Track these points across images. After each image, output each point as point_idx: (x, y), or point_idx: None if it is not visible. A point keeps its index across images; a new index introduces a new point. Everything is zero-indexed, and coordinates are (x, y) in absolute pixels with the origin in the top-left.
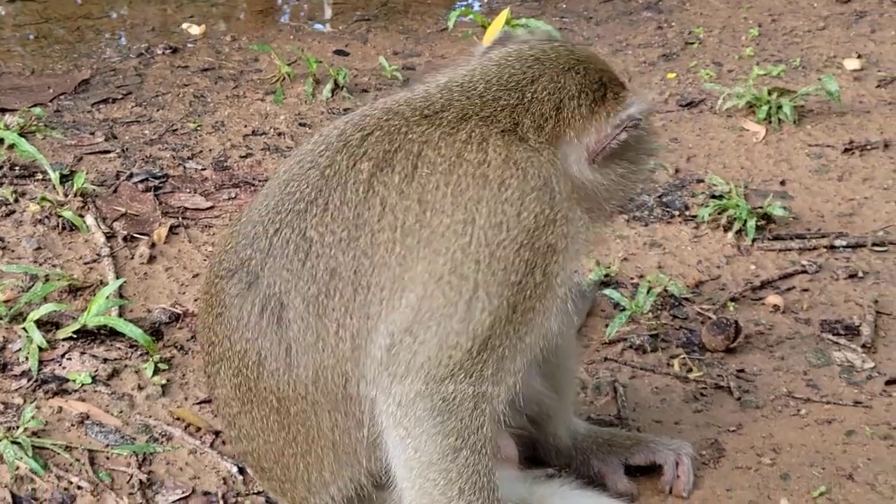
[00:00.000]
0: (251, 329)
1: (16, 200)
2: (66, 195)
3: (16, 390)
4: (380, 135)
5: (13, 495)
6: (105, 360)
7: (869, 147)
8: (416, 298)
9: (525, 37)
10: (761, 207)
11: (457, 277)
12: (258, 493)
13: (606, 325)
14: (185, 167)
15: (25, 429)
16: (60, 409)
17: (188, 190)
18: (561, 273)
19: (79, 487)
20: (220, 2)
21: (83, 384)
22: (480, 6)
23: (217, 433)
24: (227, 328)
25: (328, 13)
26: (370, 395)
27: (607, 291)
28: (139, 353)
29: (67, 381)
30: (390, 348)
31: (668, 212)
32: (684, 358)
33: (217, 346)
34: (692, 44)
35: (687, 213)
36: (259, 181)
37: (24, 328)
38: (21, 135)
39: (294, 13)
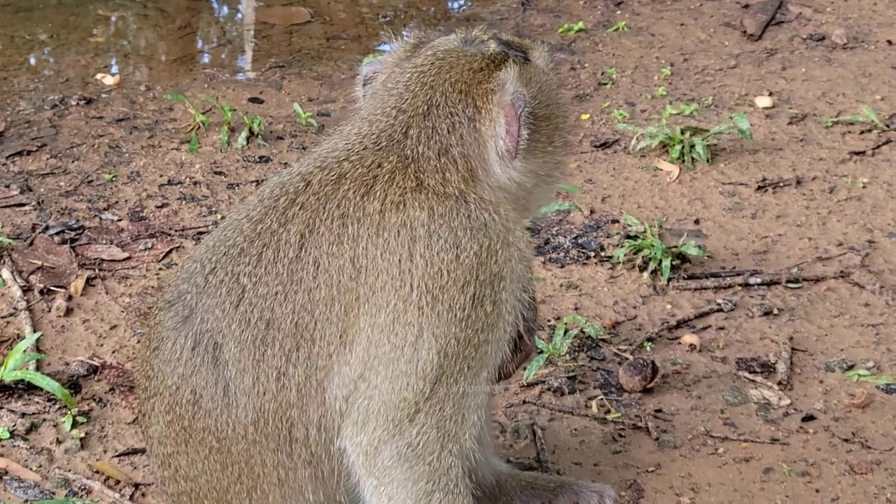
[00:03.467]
0: (184, 364)
1: None
2: None
3: None
4: (301, 206)
5: None
6: (23, 415)
7: (781, 184)
8: (364, 349)
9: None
10: (676, 247)
11: (400, 325)
12: None
13: (524, 368)
14: (101, 218)
15: None
16: None
17: (104, 241)
18: (510, 299)
19: None
20: (135, 51)
21: (1, 439)
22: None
23: (136, 485)
24: (161, 361)
25: (248, 60)
26: (336, 447)
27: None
28: (57, 406)
29: None
30: (347, 398)
31: (583, 253)
32: (602, 399)
33: (152, 380)
34: (605, 84)
35: (602, 253)
36: (175, 231)
37: None
38: None
39: (209, 62)
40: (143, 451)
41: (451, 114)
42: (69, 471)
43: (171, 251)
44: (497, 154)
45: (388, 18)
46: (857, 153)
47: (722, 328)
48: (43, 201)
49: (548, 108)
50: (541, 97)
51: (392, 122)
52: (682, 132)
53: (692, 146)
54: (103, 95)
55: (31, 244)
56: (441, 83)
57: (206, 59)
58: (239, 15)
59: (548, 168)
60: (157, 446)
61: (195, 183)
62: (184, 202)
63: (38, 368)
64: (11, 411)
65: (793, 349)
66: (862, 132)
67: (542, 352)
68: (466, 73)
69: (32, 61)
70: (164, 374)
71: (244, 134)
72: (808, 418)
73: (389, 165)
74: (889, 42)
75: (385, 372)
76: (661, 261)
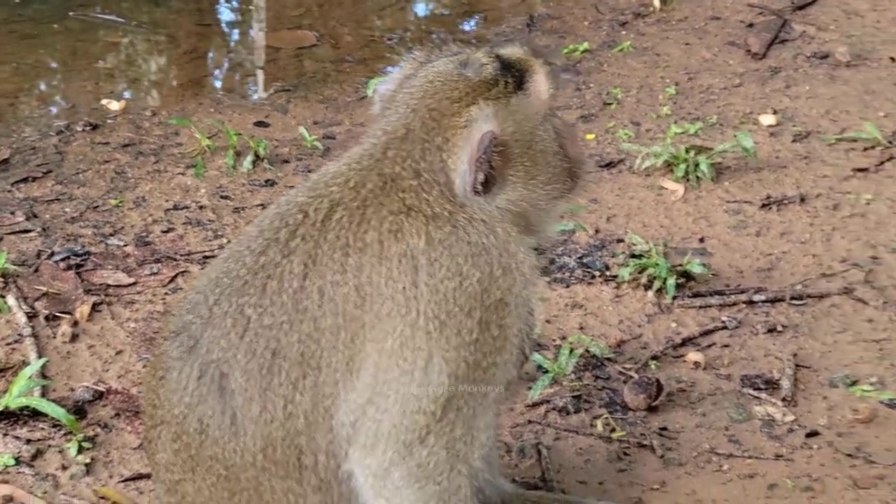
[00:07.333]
0: (190, 394)
1: None
2: None
3: None
4: (302, 238)
5: None
6: (28, 441)
7: (786, 202)
8: (371, 375)
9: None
10: (681, 265)
11: (409, 350)
12: None
13: (529, 388)
14: (106, 244)
15: None
16: None
17: (110, 267)
18: (516, 323)
19: None
20: (142, 77)
21: (6, 466)
22: None
23: None
24: (167, 391)
25: (254, 84)
26: (344, 470)
27: None
28: (63, 432)
29: None
30: (354, 423)
31: (588, 272)
32: (607, 418)
33: (159, 409)
34: (610, 104)
35: (607, 273)
36: (181, 255)
37: None
38: None
39: (215, 87)
40: (148, 476)
41: (424, 140)
42: (75, 496)
43: (176, 276)
44: (461, 188)
45: (393, 41)
46: (861, 170)
47: (726, 346)
48: (48, 227)
49: (528, 143)
50: (519, 133)
51: (375, 142)
52: (687, 151)
53: (697, 165)
54: (109, 121)
55: (36, 270)
56: (422, 108)
57: (212, 83)
58: (239, 38)
59: (534, 199)
60: (164, 473)
61: (201, 207)
62: (189, 227)
63: (43, 395)
64: (17, 438)
65: (797, 366)
66: (865, 149)
67: (546, 371)
68: (444, 103)
69: (39, 88)
70: (170, 403)
71: (250, 158)
72: (812, 434)
73: (371, 185)
74: (892, 59)
75: (395, 396)
76: (665, 279)
